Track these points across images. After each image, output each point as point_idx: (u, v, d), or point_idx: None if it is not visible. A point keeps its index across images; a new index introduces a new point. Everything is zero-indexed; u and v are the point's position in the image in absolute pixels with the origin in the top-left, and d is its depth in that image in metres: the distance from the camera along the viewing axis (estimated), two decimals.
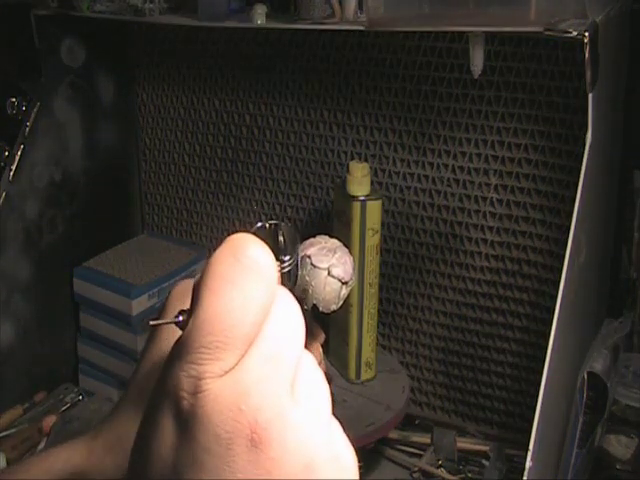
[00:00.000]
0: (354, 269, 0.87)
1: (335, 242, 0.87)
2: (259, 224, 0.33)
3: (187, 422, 0.28)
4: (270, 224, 0.33)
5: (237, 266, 0.29)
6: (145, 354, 0.46)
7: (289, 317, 0.31)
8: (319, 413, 0.30)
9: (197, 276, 0.30)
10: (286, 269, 0.32)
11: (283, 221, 0.34)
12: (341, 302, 0.86)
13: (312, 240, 0.87)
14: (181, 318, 0.30)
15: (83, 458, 0.46)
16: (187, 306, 0.31)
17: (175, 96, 1.22)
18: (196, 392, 0.28)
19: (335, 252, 0.85)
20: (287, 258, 0.33)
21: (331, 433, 0.30)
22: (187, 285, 0.45)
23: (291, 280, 0.33)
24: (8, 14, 1.12)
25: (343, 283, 0.85)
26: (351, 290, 0.93)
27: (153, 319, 0.39)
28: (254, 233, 0.31)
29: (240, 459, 0.27)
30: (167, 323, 0.30)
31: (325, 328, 0.97)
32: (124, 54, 1.22)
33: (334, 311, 0.86)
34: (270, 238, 0.31)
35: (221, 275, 0.29)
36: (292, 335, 0.30)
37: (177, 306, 0.32)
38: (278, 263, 0.32)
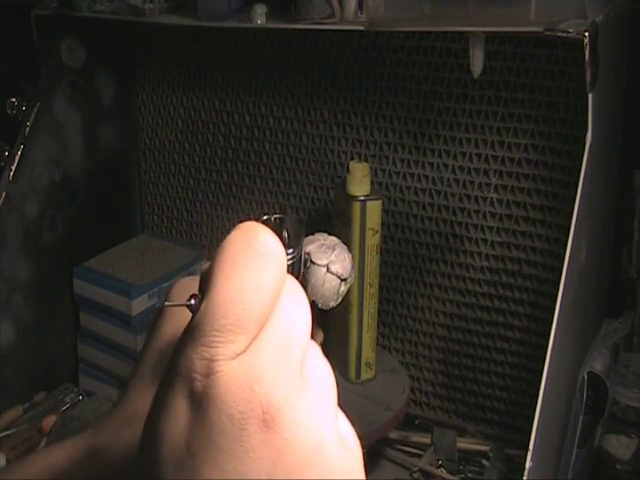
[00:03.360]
0: (353, 266, 0.88)
1: (334, 239, 0.88)
2: (265, 217, 0.33)
3: (200, 403, 0.29)
4: (275, 217, 0.33)
5: (249, 251, 0.30)
6: (155, 334, 0.47)
7: (298, 304, 0.31)
8: (327, 399, 0.31)
9: (205, 264, 0.31)
10: (290, 262, 0.33)
11: (288, 215, 0.34)
12: (340, 299, 0.86)
13: (311, 237, 0.87)
14: (193, 302, 0.31)
15: (84, 453, 0.46)
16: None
17: (175, 96, 1.22)
18: (209, 374, 0.28)
19: (334, 249, 0.85)
20: (291, 251, 0.33)
21: (338, 420, 0.31)
22: (186, 283, 0.45)
23: (295, 273, 0.33)
24: (8, 14, 1.12)
25: (342, 280, 0.85)
26: (351, 290, 0.93)
27: (167, 300, 0.39)
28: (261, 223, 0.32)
29: (253, 439, 0.28)
30: (180, 305, 0.31)
31: (325, 328, 0.97)
32: (124, 54, 1.22)
33: (333, 308, 0.86)
34: (275, 231, 0.31)
35: (234, 259, 0.30)
36: (301, 321, 0.31)
37: (179, 300, 0.32)
38: None
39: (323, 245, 0.85)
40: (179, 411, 0.29)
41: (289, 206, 1.15)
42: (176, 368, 0.29)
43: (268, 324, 0.30)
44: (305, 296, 0.32)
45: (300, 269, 0.34)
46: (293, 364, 0.30)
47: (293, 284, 0.32)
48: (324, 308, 0.85)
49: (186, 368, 0.29)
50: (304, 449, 0.29)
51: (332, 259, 0.84)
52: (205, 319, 0.29)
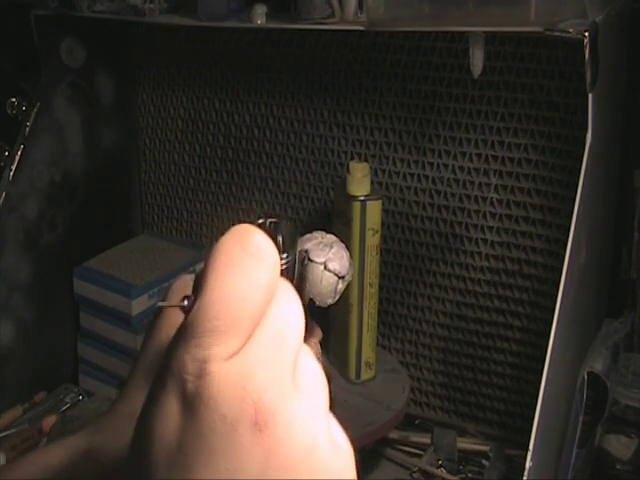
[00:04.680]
0: (351, 264, 0.88)
1: (332, 237, 0.88)
2: (260, 220, 0.34)
3: (192, 404, 0.29)
4: (270, 221, 0.33)
5: (242, 253, 0.30)
6: (152, 334, 0.47)
7: (291, 305, 0.31)
8: (319, 400, 0.31)
9: (199, 267, 0.31)
10: (284, 266, 0.33)
11: (283, 219, 0.34)
12: (337, 296, 0.86)
13: (309, 235, 0.87)
14: (186, 303, 0.31)
15: (81, 452, 0.46)
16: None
17: (175, 96, 1.22)
18: (201, 375, 0.28)
19: (332, 247, 0.85)
20: (285, 255, 0.33)
21: (330, 423, 0.31)
22: (186, 280, 0.45)
23: (289, 277, 0.33)
24: (8, 14, 1.12)
25: (340, 277, 0.85)
26: (351, 290, 0.93)
27: (164, 299, 0.41)
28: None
29: (245, 439, 0.28)
30: (173, 306, 0.31)
31: (325, 328, 0.97)
32: (124, 54, 1.22)
33: (331, 305, 0.86)
34: (269, 235, 0.31)
35: (227, 261, 0.30)
36: (294, 322, 0.31)
37: (178, 297, 0.32)
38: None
39: (321, 243, 0.85)
40: (171, 411, 0.29)
41: (289, 206, 1.15)
42: (168, 368, 0.30)
43: (261, 325, 0.30)
44: (298, 299, 0.32)
45: (294, 273, 0.34)
46: (285, 365, 0.30)
47: (286, 286, 0.32)
48: (322, 305, 0.85)
49: (178, 369, 0.29)
50: (296, 450, 0.29)
51: (330, 257, 0.84)
52: (197, 320, 0.29)
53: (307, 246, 0.84)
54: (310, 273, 0.83)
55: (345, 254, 0.87)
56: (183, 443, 0.29)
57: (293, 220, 1.15)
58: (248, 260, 0.30)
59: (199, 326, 0.29)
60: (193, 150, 1.22)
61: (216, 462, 0.28)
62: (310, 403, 0.30)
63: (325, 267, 0.83)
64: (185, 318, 0.30)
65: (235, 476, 0.28)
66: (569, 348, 0.80)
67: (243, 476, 0.28)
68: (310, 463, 0.29)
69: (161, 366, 0.31)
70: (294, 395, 0.29)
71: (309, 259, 0.83)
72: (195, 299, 0.30)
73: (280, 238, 0.33)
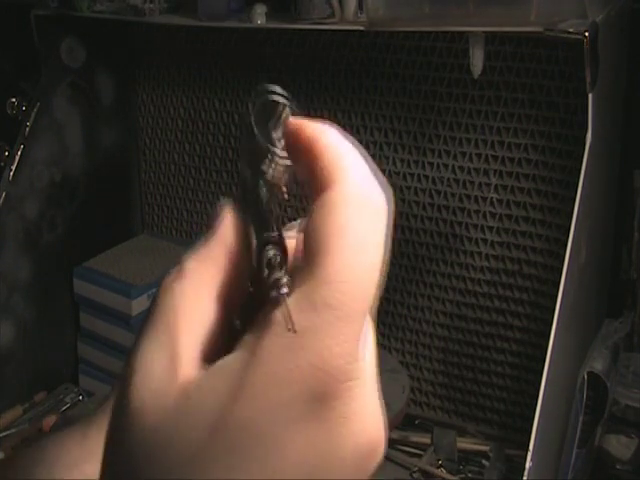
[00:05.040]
0: None
1: None
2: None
3: (321, 411, 0.23)
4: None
5: (367, 208, 0.27)
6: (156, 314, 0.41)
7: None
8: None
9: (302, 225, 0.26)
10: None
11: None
12: None
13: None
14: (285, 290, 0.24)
15: (77, 441, 0.45)
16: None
17: (175, 96, 1.22)
18: (350, 378, 0.23)
19: None
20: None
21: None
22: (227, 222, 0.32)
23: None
24: (8, 14, 1.12)
25: None
26: None
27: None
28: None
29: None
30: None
31: None
32: (124, 54, 1.22)
33: None
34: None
35: (356, 232, 0.26)
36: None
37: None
38: None
39: None
40: (300, 419, 0.23)
41: (289, 206, 1.15)
42: (300, 359, 0.23)
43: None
44: None
45: None
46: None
47: None
48: None
49: (313, 364, 0.23)
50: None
51: None
52: (341, 299, 0.23)
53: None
54: None
55: None
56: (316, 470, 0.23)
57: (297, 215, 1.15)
58: (373, 216, 0.27)
59: (345, 309, 0.23)
60: (193, 150, 1.22)
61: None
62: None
63: None
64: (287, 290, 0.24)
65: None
66: (569, 348, 0.80)
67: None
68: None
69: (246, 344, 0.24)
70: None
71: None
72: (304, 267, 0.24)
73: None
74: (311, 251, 0.25)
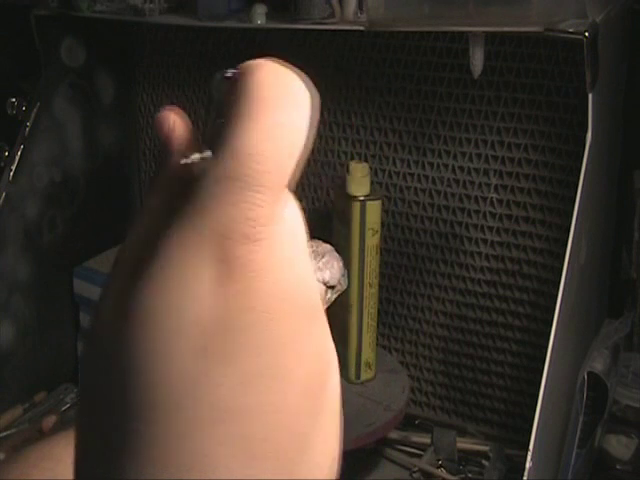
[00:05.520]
0: (343, 274, 0.88)
1: (326, 247, 0.88)
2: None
3: (232, 272, 0.24)
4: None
5: (284, 96, 0.27)
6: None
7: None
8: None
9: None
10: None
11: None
12: (326, 305, 0.86)
13: None
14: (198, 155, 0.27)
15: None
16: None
17: (175, 96, 1.22)
18: (257, 239, 0.24)
19: (323, 256, 0.85)
20: None
21: None
22: (170, 117, 0.32)
23: None
24: (8, 14, 1.12)
25: (328, 287, 0.85)
26: (351, 290, 0.93)
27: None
28: None
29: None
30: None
31: None
32: (124, 54, 1.22)
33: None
34: None
35: (267, 100, 0.27)
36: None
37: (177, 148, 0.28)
38: None
39: (314, 252, 0.85)
40: (205, 280, 0.24)
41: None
42: (202, 226, 0.24)
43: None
44: None
45: None
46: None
47: None
48: None
49: (218, 230, 0.24)
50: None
51: (319, 266, 0.84)
52: (239, 169, 0.24)
53: None
54: None
55: (337, 264, 0.87)
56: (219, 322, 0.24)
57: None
58: (291, 105, 0.27)
59: (243, 178, 0.24)
60: None
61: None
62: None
63: None
64: (199, 168, 0.26)
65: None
66: (569, 348, 0.80)
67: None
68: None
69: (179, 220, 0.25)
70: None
71: None
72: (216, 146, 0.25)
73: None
74: (229, 120, 0.26)
